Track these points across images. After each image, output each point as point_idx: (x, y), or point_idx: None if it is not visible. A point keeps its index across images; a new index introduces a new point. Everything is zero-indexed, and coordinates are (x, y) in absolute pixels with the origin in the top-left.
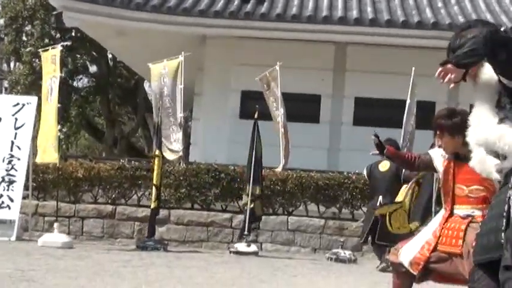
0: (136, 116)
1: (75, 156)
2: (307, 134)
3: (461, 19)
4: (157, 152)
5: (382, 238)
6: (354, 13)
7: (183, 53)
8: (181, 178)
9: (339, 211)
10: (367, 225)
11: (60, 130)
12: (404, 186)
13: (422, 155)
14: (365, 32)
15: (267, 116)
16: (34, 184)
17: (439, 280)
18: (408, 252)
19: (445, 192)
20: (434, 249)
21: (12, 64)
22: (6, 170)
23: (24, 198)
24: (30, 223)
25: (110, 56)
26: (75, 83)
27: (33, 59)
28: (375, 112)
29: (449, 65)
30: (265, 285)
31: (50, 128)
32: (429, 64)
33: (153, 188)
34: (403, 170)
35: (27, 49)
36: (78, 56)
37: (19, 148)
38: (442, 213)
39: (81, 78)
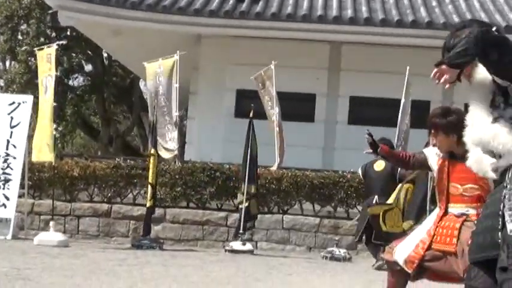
0: (131, 114)
1: (71, 155)
2: (302, 133)
3: (455, 18)
4: (152, 151)
5: (378, 237)
6: (349, 12)
7: (178, 52)
8: (177, 177)
9: (334, 210)
10: (361, 224)
11: (55, 129)
12: (400, 185)
13: (417, 154)
14: (360, 31)
15: (262, 115)
16: (30, 183)
17: (434, 278)
18: (403, 251)
19: (439, 190)
20: (429, 247)
21: (7, 63)
22: (2, 169)
23: (20, 196)
24: (26, 222)
25: (105, 55)
26: (70, 82)
27: (29, 58)
28: (370, 111)
29: (443, 66)
30: (261, 283)
31: (46, 127)
32: (424, 63)
33: (149, 186)
34: (399, 169)
35: (23, 48)
36: (74, 55)
37: (15, 147)
38: (437, 211)
39: (76, 77)
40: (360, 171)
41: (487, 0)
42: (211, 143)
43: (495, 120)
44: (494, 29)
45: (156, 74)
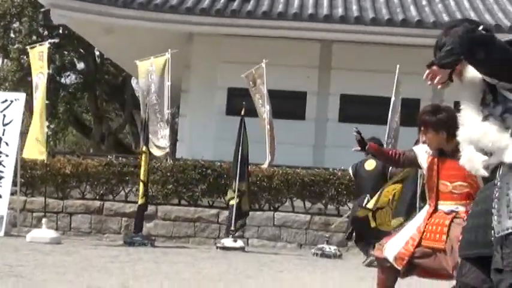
0: (123, 112)
1: (63, 153)
2: (293, 131)
3: (445, 17)
4: (144, 149)
5: (368, 235)
6: (339, 11)
7: (170, 50)
8: (169, 174)
9: (324, 207)
10: (352, 222)
11: (48, 126)
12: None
13: (407, 152)
14: (350, 29)
15: (253, 112)
16: (22, 180)
17: (424, 275)
18: (393, 248)
19: (429, 188)
20: (419, 244)
21: (0, 61)
22: None
23: (12, 194)
24: (18, 219)
25: (97, 53)
26: (62, 80)
27: (21, 56)
28: (360, 109)
29: (434, 66)
30: (252, 280)
31: (38, 124)
32: (414, 62)
33: (141, 184)
34: (390, 168)
35: (15, 46)
36: (66, 53)
37: (7, 144)
38: (427, 208)
39: (68, 75)
40: (350, 171)
41: None
42: (203, 141)
43: (485, 118)
44: (481, 27)
45: (148, 72)
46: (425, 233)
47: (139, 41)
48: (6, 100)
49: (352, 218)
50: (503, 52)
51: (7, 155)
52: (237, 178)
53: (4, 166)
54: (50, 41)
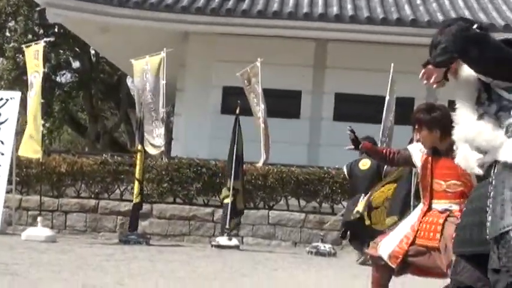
0: (119, 111)
1: (58, 151)
2: (288, 130)
3: (440, 16)
4: (139, 147)
5: (363, 234)
6: (334, 10)
7: (165, 49)
8: (164, 173)
9: (319, 205)
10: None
11: (43, 125)
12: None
13: (402, 151)
14: (345, 28)
15: (248, 111)
16: (18, 179)
17: (418, 273)
18: (387, 246)
19: (423, 187)
20: (413, 242)
21: None
22: None
23: (7, 192)
24: (13, 217)
25: (92, 51)
26: (58, 79)
27: (17, 55)
28: (355, 108)
29: (429, 66)
30: (247, 278)
31: (33, 123)
32: (408, 61)
33: (136, 182)
34: (385, 167)
35: (11, 45)
36: (61, 51)
37: (2, 143)
38: (421, 207)
39: (64, 74)
40: (345, 170)
41: None
42: (198, 140)
43: (480, 117)
44: (476, 26)
45: (143, 71)
46: (419, 232)
47: (134, 40)
48: (1, 99)
49: (346, 220)
50: (497, 50)
51: (2, 154)
52: (232, 177)
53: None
54: (45, 39)
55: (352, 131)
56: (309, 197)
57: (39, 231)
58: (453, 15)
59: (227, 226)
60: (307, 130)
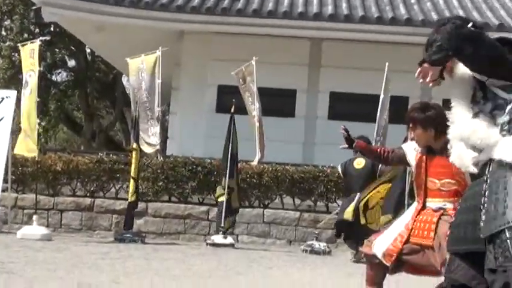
0: (114, 110)
1: (54, 150)
2: (283, 128)
3: (434, 15)
4: (135, 146)
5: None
6: (329, 9)
7: (160, 48)
8: (159, 171)
9: (314, 204)
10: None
11: (39, 124)
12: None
13: (396, 149)
14: (340, 28)
15: (243, 110)
16: (13, 177)
17: (412, 271)
18: (381, 244)
19: (417, 185)
20: (407, 241)
21: None
22: None
23: (3, 191)
24: (9, 216)
25: (88, 50)
26: (54, 77)
27: (13, 54)
28: (350, 107)
29: (425, 64)
30: (242, 277)
31: (28, 121)
32: (403, 60)
33: (131, 181)
34: (379, 166)
35: (6, 44)
36: (57, 50)
37: None
38: (415, 205)
39: (59, 73)
40: (339, 169)
41: None
42: (193, 138)
43: (475, 115)
44: (471, 24)
45: (138, 69)
46: (413, 230)
47: (130, 39)
48: None
49: (339, 220)
50: (492, 49)
51: None
52: (227, 175)
53: None
54: (41, 38)
55: (346, 130)
56: (304, 196)
57: (35, 229)
58: (447, 14)
59: (222, 224)
60: (302, 129)
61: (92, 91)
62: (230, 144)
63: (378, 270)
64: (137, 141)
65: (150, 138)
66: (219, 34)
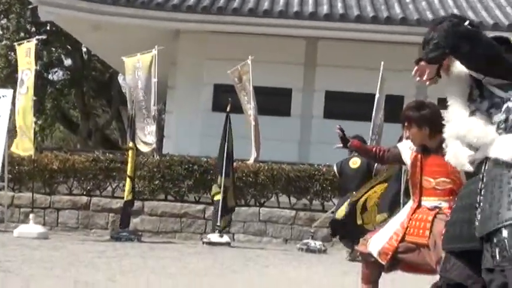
0: (110, 108)
1: (51, 149)
2: (279, 127)
3: (429, 15)
4: (131, 144)
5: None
6: (325, 8)
7: (156, 47)
8: (155, 170)
9: (309, 202)
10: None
11: (35, 122)
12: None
13: (392, 148)
14: (335, 27)
15: (239, 109)
16: (10, 176)
17: (407, 270)
18: (377, 243)
19: (412, 184)
20: (402, 239)
21: None
22: None
23: (0, 189)
24: (6, 214)
25: (84, 49)
26: (50, 76)
27: (9, 52)
28: (345, 106)
29: (422, 62)
30: (238, 275)
31: (25, 121)
32: (398, 59)
33: (127, 179)
34: (375, 165)
35: (3, 42)
36: (53, 49)
37: None
38: (410, 204)
39: (56, 71)
40: (335, 168)
41: None
42: (189, 137)
43: (472, 113)
44: (467, 23)
45: (134, 68)
46: (408, 229)
47: (126, 38)
48: None
49: (335, 220)
50: (489, 47)
51: None
52: (223, 173)
53: None
54: (37, 37)
55: (341, 130)
56: (300, 194)
57: (32, 228)
58: (442, 13)
59: (218, 223)
60: (297, 128)
61: (88, 90)
62: (226, 143)
63: (373, 268)
64: (133, 140)
65: (146, 137)
66: (215, 33)
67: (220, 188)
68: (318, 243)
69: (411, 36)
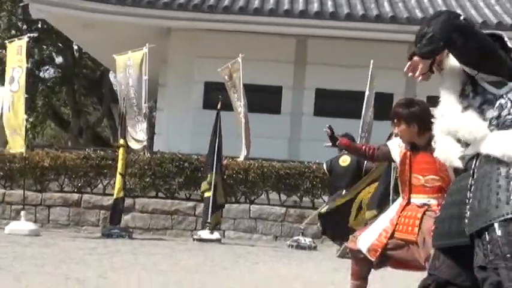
0: (101, 106)
1: (42, 146)
2: (269, 125)
3: (418, 13)
4: (122, 142)
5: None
6: (315, 7)
7: (147, 44)
8: (146, 167)
9: (299, 199)
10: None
11: (26, 120)
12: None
13: (381, 146)
14: (325, 25)
15: (230, 106)
16: (1, 173)
17: (397, 266)
18: (366, 239)
19: (402, 181)
20: (392, 236)
21: None
22: None
23: None
24: None
25: (75, 47)
26: (41, 74)
27: (0, 50)
28: (335, 103)
29: (415, 57)
30: (228, 272)
31: (14, 118)
32: (387, 57)
33: (118, 176)
34: (365, 162)
35: None
36: (45, 47)
37: None
38: (400, 201)
39: (47, 69)
40: (324, 167)
41: None
42: (180, 134)
43: (465, 109)
44: (462, 17)
45: (125, 66)
46: (398, 225)
47: (117, 36)
48: None
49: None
50: (483, 41)
51: None
52: (214, 171)
53: None
54: (28, 35)
55: (330, 128)
56: (290, 191)
57: (23, 225)
58: (432, 12)
59: (208, 220)
60: (288, 125)
61: (79, 87)
62: (216, 140)
63: (363, 265)
64: (124, 137)
65: (137, 134)
66: (206, 31)
67: (210, 184)
68: (308, 240)
69: (401, 34)
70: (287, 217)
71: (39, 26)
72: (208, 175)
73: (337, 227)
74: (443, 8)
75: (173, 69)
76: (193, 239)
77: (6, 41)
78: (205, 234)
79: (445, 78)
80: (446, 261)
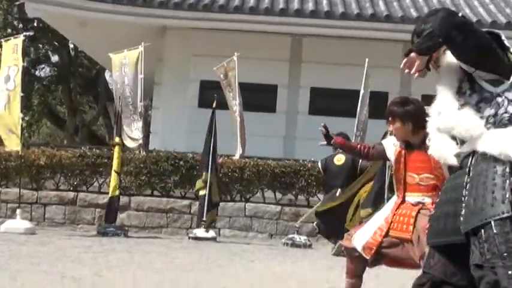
0: (97, 104)
1: (38, 144)
2: (264, 123)
3: (413, 12)
4: (117, 140)
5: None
6: (310, 5)
7: (143, 43)
8: (142, 166)
9: (295, 198)
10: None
11: (22, 118)
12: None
13: (376, 145)
14: (320, 24)
15: (225, 105)
16: None
17: (391, 264)
18: (361, 238)
19: (396, 180)
20: (386, 234)
21: None
22: None
23: None
24: None
25: (71, 46)
26: (37, 73)
27: None
28: (330, 102)
29: (412, 54)
30: (223, 270)
31: (12, 117)
32: (382, 56)
33: (114, 175)
34: (360, 161)
35: None
36: (41, 45)
37: None
38: (395, 199)
39: (43, 68)
40: (319, 165)
41: None
42: (176, 133)
43: (461, 106)
44: (460, 14)
45: (121, 65)
46: (393, 224)
47: (112, 35)
48: None
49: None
50: (482, 38)
51: None
52: (209, 169)
53: None
54: (24, 34)
55: (325, 127)
56: (285, 190)
57: (18, 223)
58: (426, 11)
59: (204, 218)
60: (283, 124)
61: (75, 86)
62: (212, 139)
63: (358, 263)
64: (120, 135)
65: (132, 132)
66: (201, 30)
67: (205, 183)
68: (303, 238)
69: (395, 33)
70: (282, 215)
71: (35, 24)
72: (204, 173)
73: (332, 225)
74: (438, 7)
75: (169, 68)
76: (189, 237)
77: (2, 40)
78: (200, 232)
79: (442, 75)
80: (441, 260)
